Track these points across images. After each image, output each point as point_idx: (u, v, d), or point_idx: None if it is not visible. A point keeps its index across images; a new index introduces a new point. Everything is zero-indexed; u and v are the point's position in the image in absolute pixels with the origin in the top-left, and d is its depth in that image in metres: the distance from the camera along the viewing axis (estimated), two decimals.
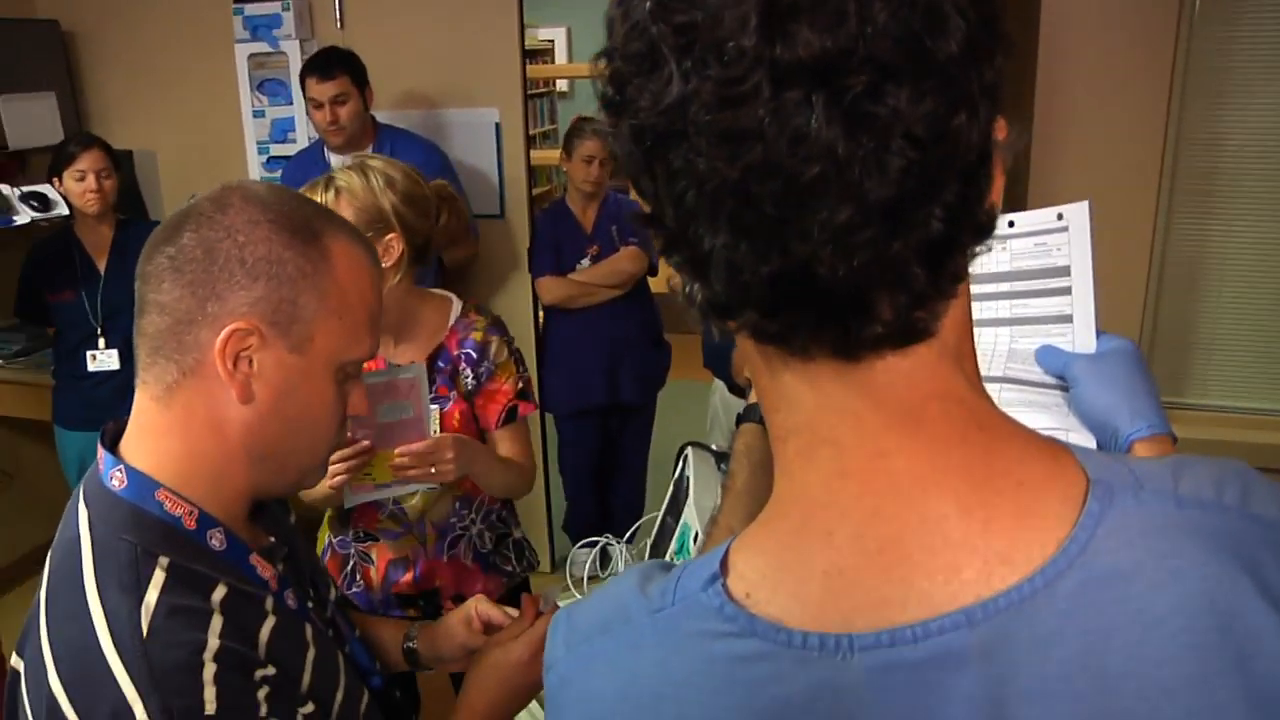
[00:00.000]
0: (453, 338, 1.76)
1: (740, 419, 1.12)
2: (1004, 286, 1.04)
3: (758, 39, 0.46)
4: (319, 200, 1.70)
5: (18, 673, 0.90)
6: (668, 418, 3.90)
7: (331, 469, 1.52)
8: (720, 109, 0.47)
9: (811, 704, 0.53)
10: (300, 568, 1.05)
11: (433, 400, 1.69)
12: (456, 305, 1.81)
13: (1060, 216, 0.93)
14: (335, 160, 3.14)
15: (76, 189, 2.94)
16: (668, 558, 1.55)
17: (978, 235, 0.52)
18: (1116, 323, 2.80)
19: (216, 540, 0.92)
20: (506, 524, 1.94)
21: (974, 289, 0.96)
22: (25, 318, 3.25)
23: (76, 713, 0.81)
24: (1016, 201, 3.18)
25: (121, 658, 0.81)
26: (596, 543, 1.90)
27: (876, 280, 0.49)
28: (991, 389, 1.08)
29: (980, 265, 0.96)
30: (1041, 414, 0.87)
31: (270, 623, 0.92)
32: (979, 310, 1.04)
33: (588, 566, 1.96)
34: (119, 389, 3.04)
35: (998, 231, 0.91)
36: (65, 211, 3.02)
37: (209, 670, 0.83)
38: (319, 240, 0.93)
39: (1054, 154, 2.59)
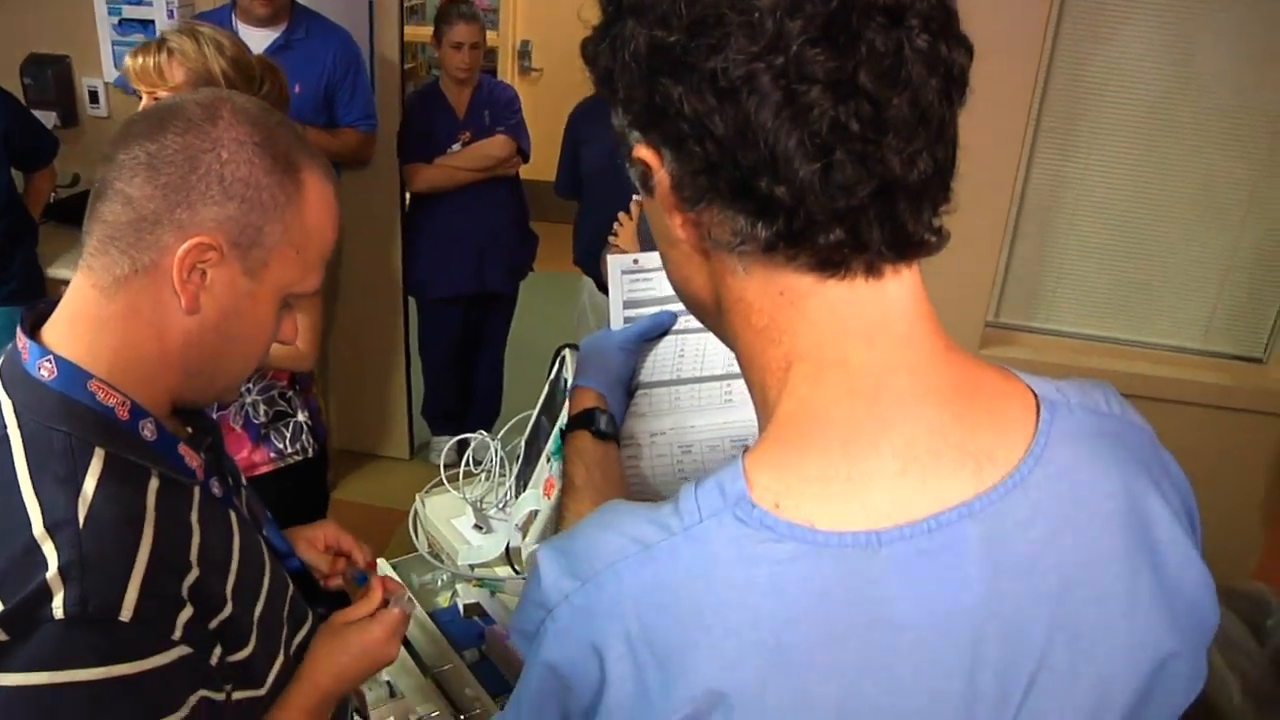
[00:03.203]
0: None
1: (566, 429, 1.22)
2: None
3: None
4: (152, 60, 1.82)
5: None
6: (530, 308, 3.91)
7: None
8: (819, 45, 0.56)
9: (849, 593, 0.60)
10: (221, 456, 1.07)
11: None
12: None
13: None
14: (245, 32, 2.95)
15: None
16: (543, 458, 1.58)
17: (956, 165, 0.64)
18: (979, 250, 2.88)
19: (148, 430, 0.93)
20: (291, 405, 2.04)
21: None
22: None
23: (1, 599, 0.81)
24: None
25: (54, 542, 0.82)
26: (464, 438, 1.91)
27: (928, 190, 0.61)
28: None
29: None
30: None
31: (196, 514, 0.94)
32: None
33: (444, 455, 1.99)
34: None
35: None
36: None
37: (137, 574, 0.84)
38: (297, 173, 0.95)
39: None
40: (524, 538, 1.59)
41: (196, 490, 0.96)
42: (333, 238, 1.01)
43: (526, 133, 3.56)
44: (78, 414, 0.89)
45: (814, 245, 0.60)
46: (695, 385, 1.28)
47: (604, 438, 1.18)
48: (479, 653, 1.59)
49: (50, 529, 0.83)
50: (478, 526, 1.76)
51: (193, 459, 0.98)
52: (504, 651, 1.55)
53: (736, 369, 1.24)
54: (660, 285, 1.32)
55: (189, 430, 1.04)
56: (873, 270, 0.62)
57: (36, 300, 0.98)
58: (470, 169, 3.41)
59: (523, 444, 1.78)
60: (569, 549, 0.66)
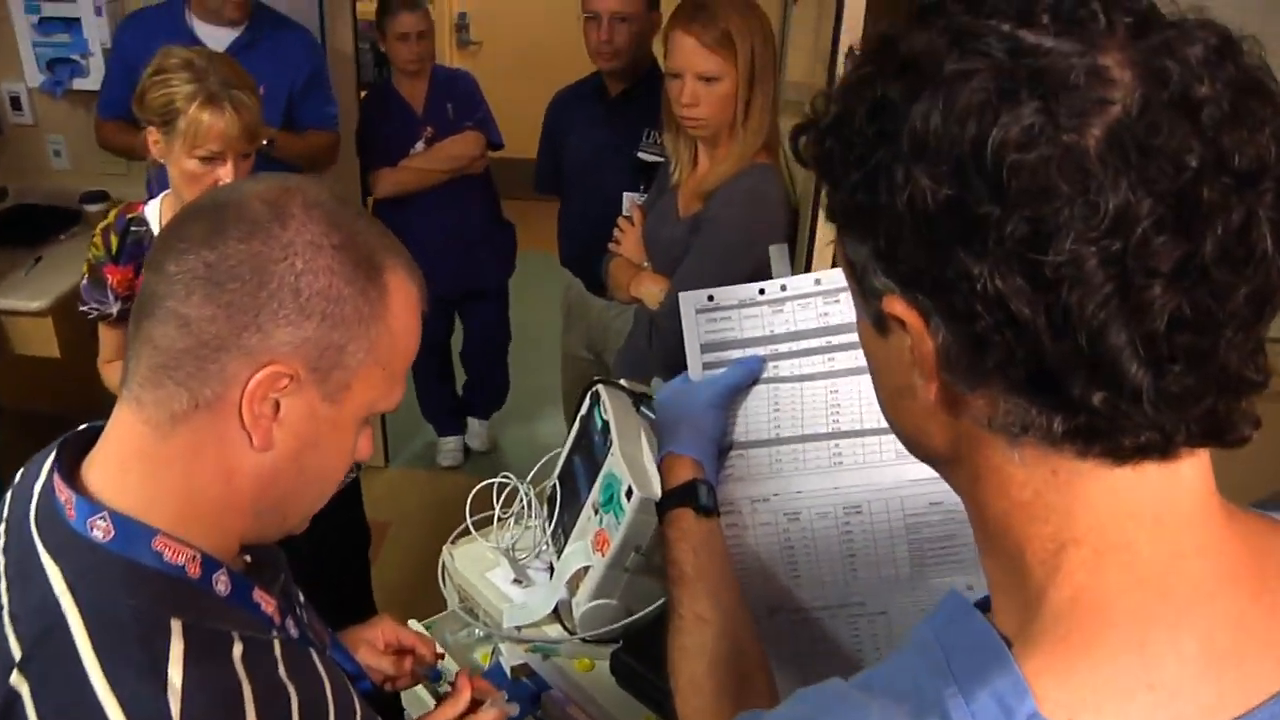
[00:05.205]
0: None
1: (662, 505, 1.13)
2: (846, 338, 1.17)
3: (1203, 143, 0.46)
4: (234, 122, 1.80)
5: None
6: (517, 292, 3.78)
7: None
8: (1166, 230, 0.46)
9: None
10: (288, 587, 0.95)
11: None
12: None
13: None
14: (202, 30, 2.74)
15: None
16: (589, 507, 1.47)
17: None
18: None
19: (221, 584, 0.80)
20: None
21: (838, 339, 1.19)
22: None
23: None
24: None
25: None
26: (491, 482, 1.77)
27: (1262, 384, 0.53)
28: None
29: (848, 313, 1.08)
30: None
31: (284, 669, 0.82)
32: (852, 360, 1.17)
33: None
34: None
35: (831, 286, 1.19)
36: None
37: None
38: (381, 275, 0.81)
39: None
40: (573, 595, 1.48)
41: (278, 642, 0.84)
42: (417, 342, 0.87)
43: (495, 124, 3.39)
44: (145, 581, 0.75)
45: (1118, 447, 0.53)
46: (798, 445, 1.17)
47: (707, 513, 1.08)
48: None
49: None
50: (517, 581, 1.64)
51: (268, 603, 0.85)
52: (564, 719, 1.44)
53: (843, 425, 1.16)
54: (740, 324, 1.21)
55: (248, 559, 0.91)
56: (1169, 456, 0.54)
57: (66, 433, 0.84)
58: (440, 169, 3.24)
59: (555, 485, 1.66)
60: None
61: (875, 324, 0.60)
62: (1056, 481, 0.55)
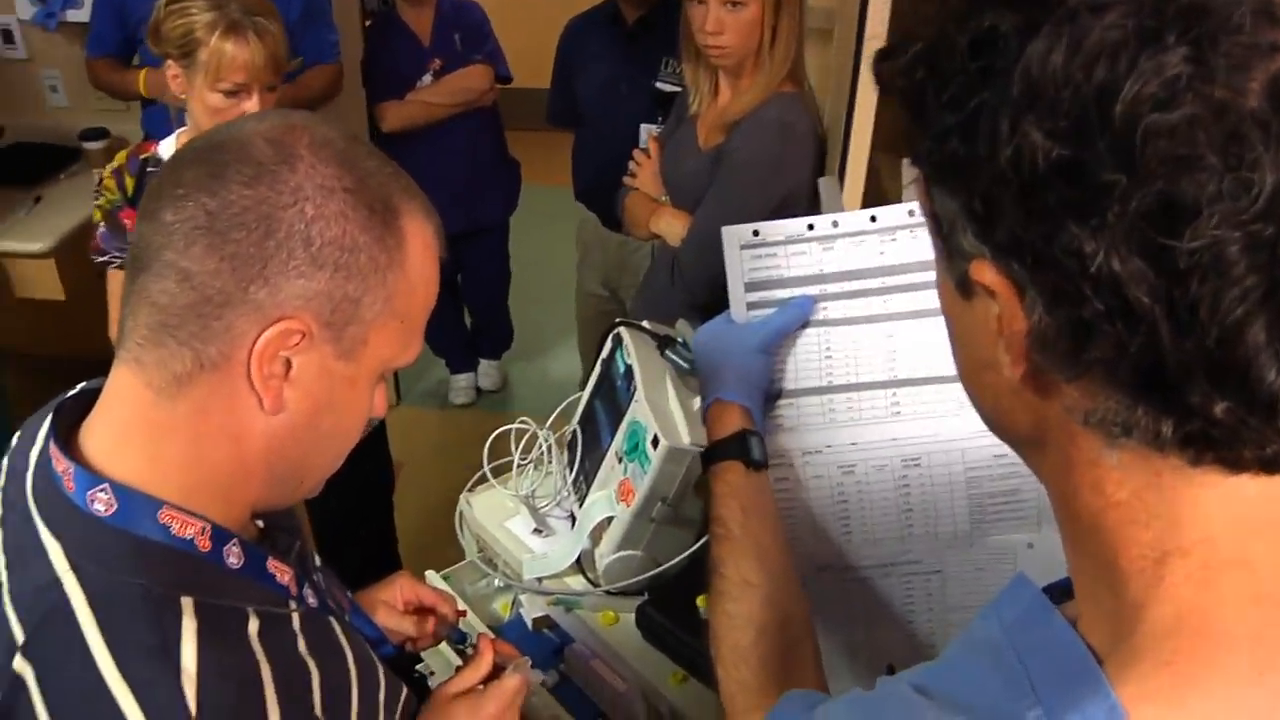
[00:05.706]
0: None
1: (709, 457, 1.06)
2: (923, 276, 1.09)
3: None
4: (248, 48, 1.71)
5: None
6: (523, 227, 3.71)
7: None
8: None
9: None
10: (305, 551, 0.89)
11: None
12: None
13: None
14: None
15: None
16: (613, 455, 1.41)
17: None
18: None
19: (234, 556, 0.75)
20: None
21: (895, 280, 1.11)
22: None
23: None
24: None
25: None
26: (509, 428, 1.71)
27: None
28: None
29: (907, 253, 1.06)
30: None
31: (305, 644, 0.78)
32: (911, 303, 1.10)
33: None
34: None
35: (906, 221, 1.11)
36: None
37: None
38: (397, 220, 0.74)
39: None
40: (596, 546, 1.42)
41: (296, 615, 0.78)
42: (436, 289, 0.80)
43: (504, 57, 3.29)
44: (152, 556, 0.70)
45: (1238, 458, 0.46)
46: (853, 394, 1.10)
47: (758, 467, 1.01)
48: (558, 674, 1.44)
49: None
50: (537, 530, 1.58)
51: (284, 573, 0.80)
52: (588, 673, 1.39)
53: (901, 373, 1.08)
54: (787, 261, 1.12)
55: (260, 526, 0.85)
56: None
57: (61, 395, 0.78)
58: (448, 104, 3.13)
59: (576, 430, 1.60)
60: None
61: (959, 286, 0.53)
62: (1160, 484, 0.49)
